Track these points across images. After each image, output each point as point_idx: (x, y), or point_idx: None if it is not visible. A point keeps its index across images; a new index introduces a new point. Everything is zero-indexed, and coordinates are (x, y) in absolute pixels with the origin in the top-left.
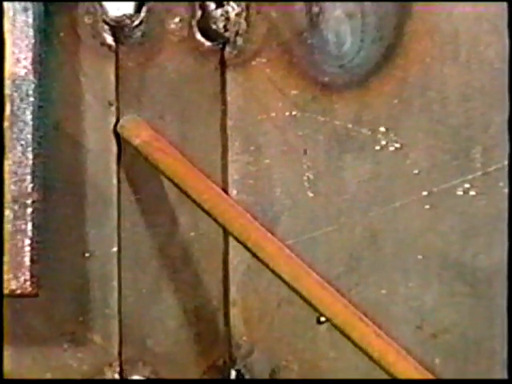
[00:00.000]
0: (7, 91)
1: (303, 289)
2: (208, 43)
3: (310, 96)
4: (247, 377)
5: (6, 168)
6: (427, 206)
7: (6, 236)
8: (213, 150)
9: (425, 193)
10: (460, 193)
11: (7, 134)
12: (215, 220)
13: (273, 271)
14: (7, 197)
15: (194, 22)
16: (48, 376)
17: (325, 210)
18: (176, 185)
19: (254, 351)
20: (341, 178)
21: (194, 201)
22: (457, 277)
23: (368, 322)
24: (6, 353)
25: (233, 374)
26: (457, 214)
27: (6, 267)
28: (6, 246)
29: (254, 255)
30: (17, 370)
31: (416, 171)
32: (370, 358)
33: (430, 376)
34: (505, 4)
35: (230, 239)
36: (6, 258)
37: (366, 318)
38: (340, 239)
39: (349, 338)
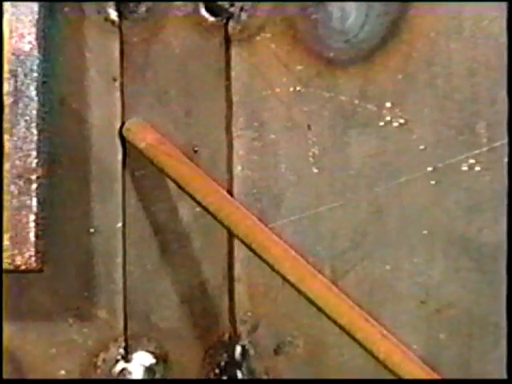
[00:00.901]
0: (11, 67)
1: (309, 290)
2: (212, 18)
3: (314, 71)
4: (252, 352)
5: (11, 143)
6: (432, 182)
7: (11, 211)
8: (217, 125)
9: (430, 168)
10: (465, 168)
11: (12, 109)
12: (220, 222)
13: (278, 273)
14: (12, 172)
15: None
16: (53, 351)
17: (330, 185)
18: (181, 188)
19: (259, 327)
20: (346, 154)
21: (199, 203)
22: (462, 252)
23: (373, 323)
24: (12, 328)
25: (238, 350)
26: (462, 189)
27: (10, 243)
28: (11, 221)
29: (260, 257)
30: (22, 346)
31: (421, 147)
32: (376, 358)
33: (435, 376)
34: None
35: None
36: (11, 234)
37: (371, 319)
38: (345, 215)
39: (354, 338)
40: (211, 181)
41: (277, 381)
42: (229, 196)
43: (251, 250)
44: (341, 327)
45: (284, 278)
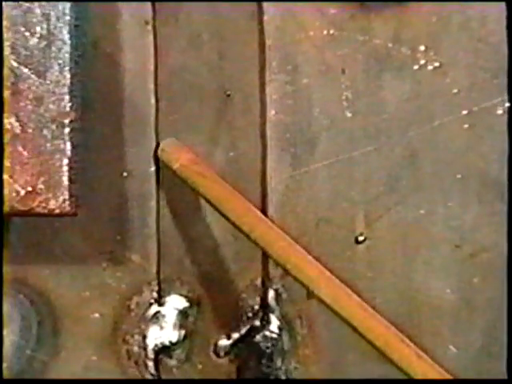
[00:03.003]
0: (44, 10)
1: (344, 311)
2: None
3: (348, 14)
4: (285, 296)
5: (44, 87)
6: (467, 126)
7: (45, 156)
8: (250, 69)
9: (464, 112)
10: (500, 111)
11: (45, 53)
12: (255, 242)
13: (313, 293)
14: (45, 116)
15: None
16: (87, 295)
17: (363, 129)
18: (215, 208)
19: None
20: (380, 98)
21: (233, 224)
22: (496, 196)
23: (409, 344)
24: (46, 272)
25: (271, 294)
26: (497, 133)
27: (44, 186)
28: (45, 165)
29: (294, 278)
30: (56, 289)
31: (456, 90)
32: (412, 379)
33: None
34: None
35: (269, 159)
36: (44, 178)
37: (407, 340)
38: (379, 159)
39: (390, 359)
40: (245, 200)
41: (277, 381)
42: (263, 216)
43: (286, 270)
44: (377, 348)
45: (319, 299)
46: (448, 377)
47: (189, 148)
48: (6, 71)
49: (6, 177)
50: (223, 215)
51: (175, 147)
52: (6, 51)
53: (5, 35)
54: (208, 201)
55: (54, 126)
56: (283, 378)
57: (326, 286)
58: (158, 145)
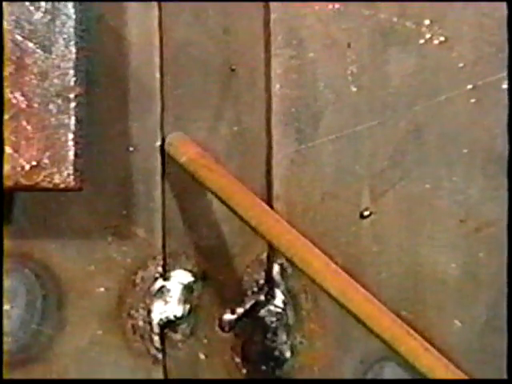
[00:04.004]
0: None
1: (351, 304)
2: None
3: None
4: (290, 271)
5: (49, 62)
6: (472, 100)
7: (50, 130)
8: (255, 43)
9: (470, 86)
10: (505, 86)
11: (49, 27)
12: (262, 236)
13: (320, 286)
14: (50, 91)
15: None
16: (92, 269)
17: (369, 104)
18: (222, 201)
19: None
20: (385, 72)
21: (240, 217)
22: (501, 170)
23: (416, 336)
24: (51, 246)
25: (276, 268)
26: (502, 107)
27: (49, 161)
28: (50, 140)
29: (301, 271)
30: (61, 263)
31: (461, 64)
32: (418, 372)
33: None
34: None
35: (274, 134)
36: (49, 152)
37: (413, 332)
38: (384, 133)
39: (397, 352)
40: (252, 194)
41: (279, 381)
42: (270, 209)
43: (292, 263)
44: (384, 341)
45: (326, 292)
46: (453, 369)
47: (195, 142)
48: (10, 45)
49: (10, 151)
50: (230, 209)
51: (182, 141)
52: (10, 25)
53: (9, 9)
54: (215, 194)
55: (59, 101)
56: (288, 353)
57: (332, 279)
58: (163, 140)
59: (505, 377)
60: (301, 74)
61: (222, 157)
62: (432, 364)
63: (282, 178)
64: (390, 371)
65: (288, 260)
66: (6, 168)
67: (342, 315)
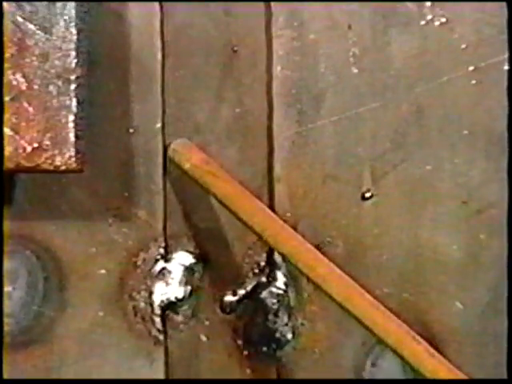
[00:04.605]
0: None
1: (355, 309)
2: None
3: None
4: None
5: (50, 43)
6: (474, 81)
7: (51, 112)
8: (257, 24)
9: (471, 68)
10: (507, 67)
11: (50, 9)
12: (266, 242)
13: (325, 292)
14: (51, 72)
15: None
16: (93, 251)
17: (370, 85)
18: (227, 207)
19: (299, 227)
20: (386, 54)
21: (244, 223)
22: (502, 152)
23: (420, 341)
24: (52, 228)
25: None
26: (503, 89)
27: (50, 143)
28: (51, 122)
29: (306, 276)
30: (63, 245)
31: (463, 46)
32: (423, 376)
33: None
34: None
35: (275, 115)
36: (50, 134)
37: (418, 337)
38: (385, 115)
39: (401, 357)
40: (256, 200)
41: (280, 381)
42: (274, 215)
43: (297, 269)
44: (388, 346)
45: (331, 297)
46: (457, 373)
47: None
48: (11, 27)
49: (11, 133)
50: (234, 214)
51: (186, 147)
52: (12, 7)
53: None
54: (219, 200)
55: (59, 83)
56: (290, 334)
57: (337, 285)
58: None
59: (505, 359)
60: (302, 56)
61: (223, 138)
62: (436, 369)
63: (283, 159)
64: (391, 353)
65: (293, 265)
66: (7, 150)
67: None
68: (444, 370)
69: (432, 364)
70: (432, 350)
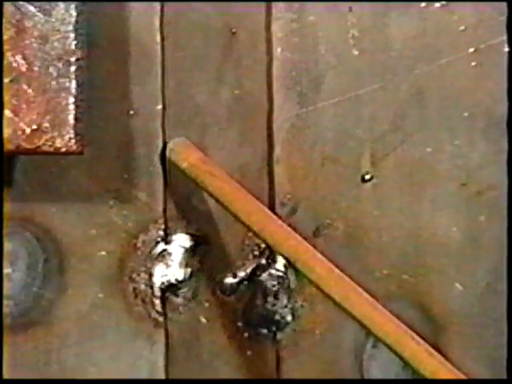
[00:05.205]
0: None
1: (354, 309)
2: None
3: None
4: None
5: (50, 25)
6: (473, 63)
7: (50, 94)
8: (256, 6)
9: (471, 49)
10: (507, 49)
11: None
12: (264, 241)
13: (323, 292)
14: (51, 54)
15: None
16: (93, 233)
17: (370, 67)
18: (224, 206)
19: (299, 209)
20: (386, 35)
21: (242, 222)
22: (502, 134)
23: (419, 341)
24: (52, 210)
25: None
26: (503, 70)
27: (50, 125)
28: (51, 104)
29: (304, 276)
30: (62, 227)
31: (462, 27)
32: (423, 376)
33: None
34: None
35: (275, 98)
36: (50, 116)
37: (417, 337)
38: (385, 97)
39: (401, 357)
40: (254, 199)
41: (280, 381)
42: (272, 215)
43: (295, 268)
44: (387, 345)
45: (329, 297)
46: (457, 373)
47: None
48: (11, 9)
49: (11, 115)
50: (232, 214)
51: (183, 146)
52: None
53: None
54: (217, 199)
55: (59, 64)
56: (289, 316)
57: (335, 284)
58: (165, 145)
59: (504, 340)
60: (302, 38)
61: (223, 120)
62: (435, 368)
63: (283, 141)
64: None
65: (291, 265)
66: (7, 132)
67: None
68: (444, 370)
69: (432, 364)
70: (432, 350)
